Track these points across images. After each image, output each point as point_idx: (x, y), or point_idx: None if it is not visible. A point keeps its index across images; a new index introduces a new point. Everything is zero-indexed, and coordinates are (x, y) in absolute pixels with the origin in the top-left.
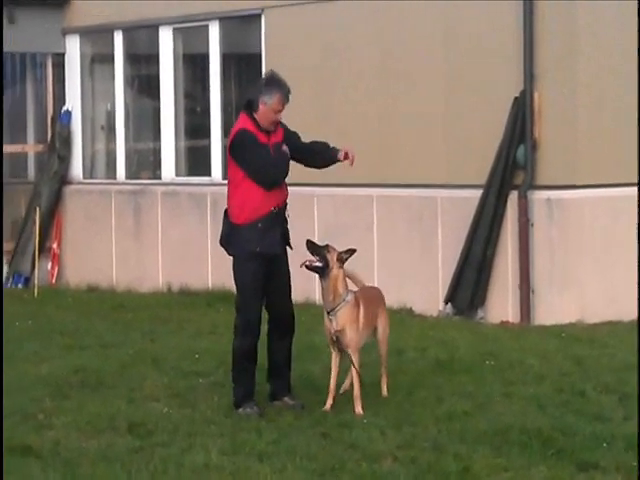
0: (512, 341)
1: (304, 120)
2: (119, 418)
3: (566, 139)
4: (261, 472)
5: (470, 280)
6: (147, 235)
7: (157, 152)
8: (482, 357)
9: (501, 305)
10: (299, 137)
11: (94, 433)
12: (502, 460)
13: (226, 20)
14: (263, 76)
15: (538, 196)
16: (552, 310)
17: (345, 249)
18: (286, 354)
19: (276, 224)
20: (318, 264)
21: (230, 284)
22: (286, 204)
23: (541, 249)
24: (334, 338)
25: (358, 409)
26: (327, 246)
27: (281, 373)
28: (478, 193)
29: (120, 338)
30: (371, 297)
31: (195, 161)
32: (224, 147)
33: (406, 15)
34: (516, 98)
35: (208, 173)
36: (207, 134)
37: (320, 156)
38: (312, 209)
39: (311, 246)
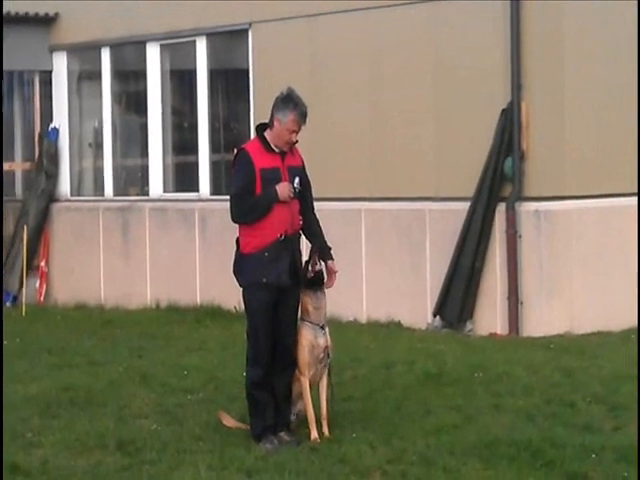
0: (501, 353)
1: None
2: (108, 436)
3: (553, 150)
4: None
5: (458, 292)
6: (135, 252)
7: (145, 168)
8: (471, 369)
9: (490, 317)
10: (310, 192)
11: (83, 451)
12: (491, 472)
13: (213, 36)
14: (280, 93)
15: (526, 208)
16: (541, 321)
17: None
18: (287, 388)
19: (284, 253)
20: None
21: (218, 300)
22: (298, 234)
23: (529, 261)
24: (321, 355)
25: (325, 430)
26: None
27: (280, 407)
28: (466, 205)
29: (108, 355)
30: None
31: (183, 177)
32: (212, 163)
33: (394, 29)
34: (503, 110)
35: (196, 189)
36: (195, 150)
37: (313, 237)
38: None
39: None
